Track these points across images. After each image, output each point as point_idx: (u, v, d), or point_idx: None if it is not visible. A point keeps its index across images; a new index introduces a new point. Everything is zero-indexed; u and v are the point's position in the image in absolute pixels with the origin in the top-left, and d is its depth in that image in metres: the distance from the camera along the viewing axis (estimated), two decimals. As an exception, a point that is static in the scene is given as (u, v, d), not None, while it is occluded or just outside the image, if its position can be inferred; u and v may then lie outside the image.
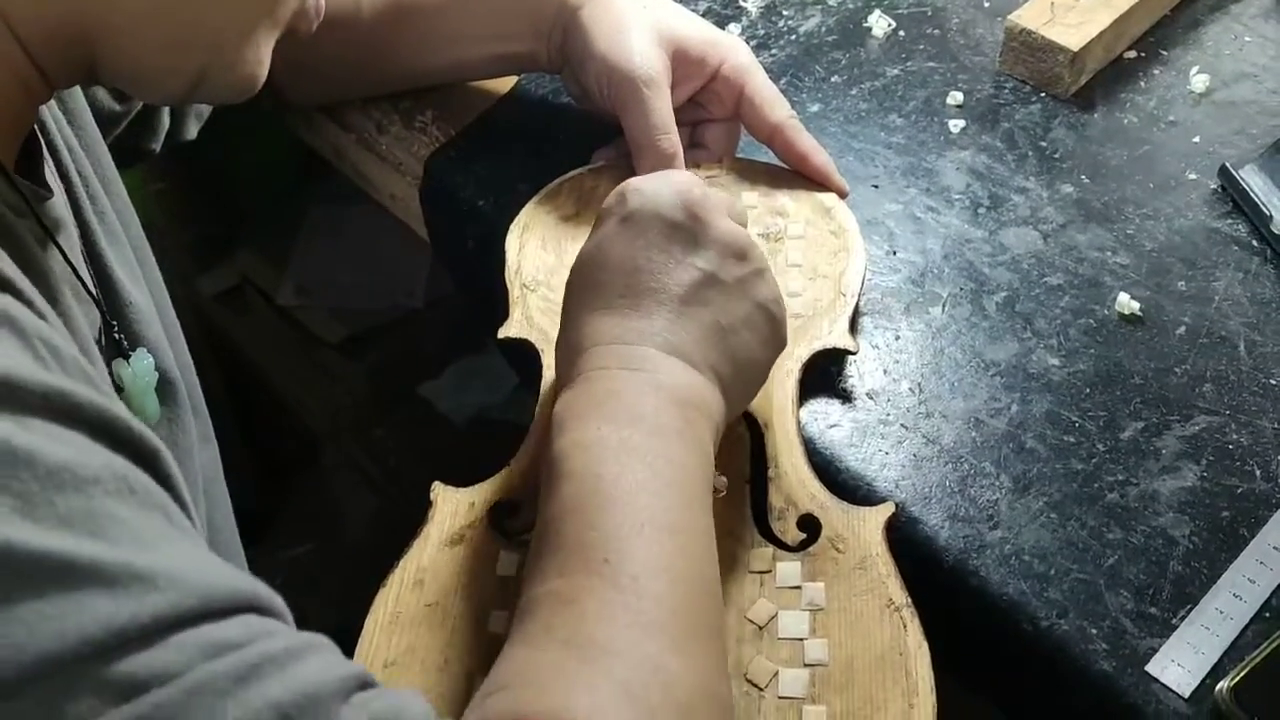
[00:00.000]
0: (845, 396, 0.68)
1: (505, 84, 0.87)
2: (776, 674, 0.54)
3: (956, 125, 0.84)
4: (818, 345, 0.66)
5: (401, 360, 1.52)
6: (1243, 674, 0.55)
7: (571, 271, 0.60)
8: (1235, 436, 0.65)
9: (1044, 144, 0.83)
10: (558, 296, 0.69)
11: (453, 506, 0.60)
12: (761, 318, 0.58)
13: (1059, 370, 0.69)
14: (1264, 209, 0.75)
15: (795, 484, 0.61)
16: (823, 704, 0.53)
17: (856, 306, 0.70)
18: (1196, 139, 0.83)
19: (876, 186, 0.80)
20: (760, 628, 0.56)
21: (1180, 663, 0.57)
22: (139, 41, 0.53)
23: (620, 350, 0.55)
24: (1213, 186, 0.79)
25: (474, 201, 0.81)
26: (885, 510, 0.59)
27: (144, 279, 0.69)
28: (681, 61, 0.74)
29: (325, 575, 1.49)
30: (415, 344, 1.53)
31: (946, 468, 0.65)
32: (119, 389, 0.60)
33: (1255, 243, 0.76)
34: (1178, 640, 0.57)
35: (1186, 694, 0.56)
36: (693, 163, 0.75)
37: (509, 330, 0.69)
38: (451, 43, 0.81)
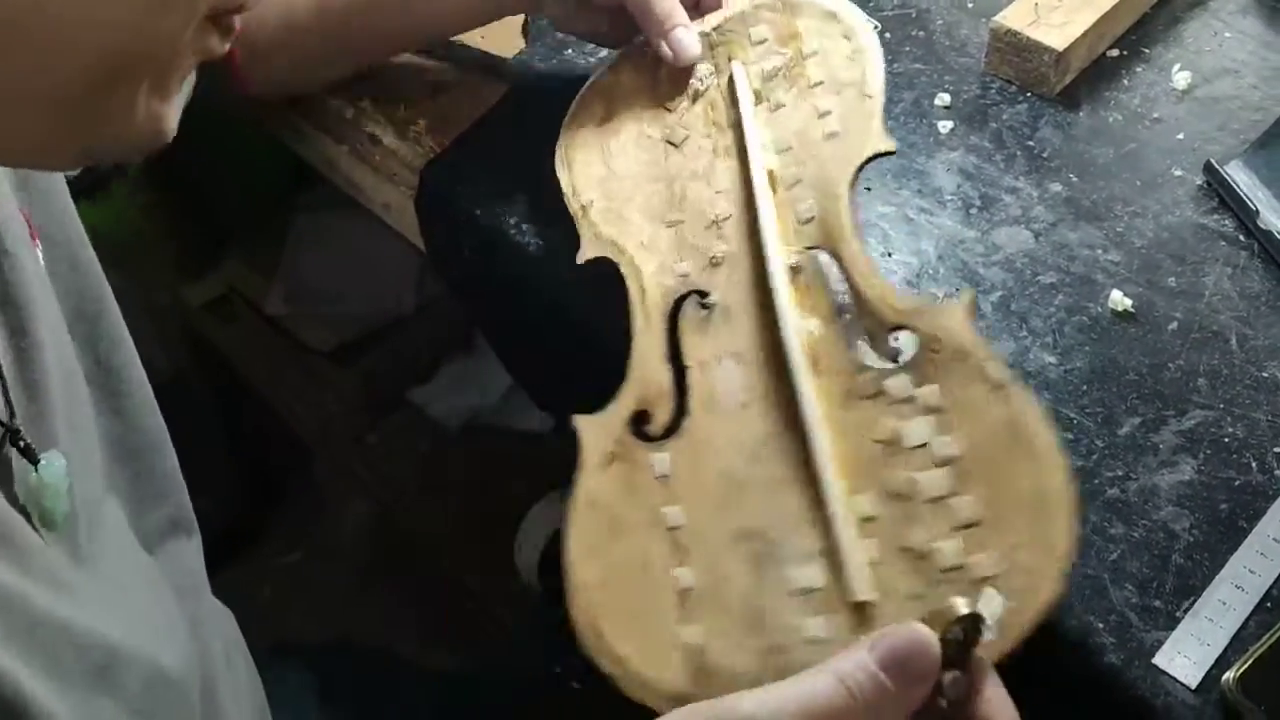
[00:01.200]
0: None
1: (498, 92, 0.88)
2: (916, 480, 0.54)
3: (945, 126, 0.85)
4: (858, 159, 0.68)
5: (392, 366, 1.52)
6: (1248, 664, 0.57)
7: None
8: (1230, 430, 0.67)
9: (1032, 143, 0.84)
10: (616, 203, 0.73)
11: (595, 432, 0.61)
12: None
13: (1055, 368, 0.70)
14: (1249, 204, 0.77)
15: (876, 301, 0.61)
16: (968, 494, 0.53)
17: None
18: (1181, 135, 0.84)
19: (869, 189, 0.81)
20: (888, 444, 0.56)
21: (1186, 654, 0.58)
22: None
23: None
24: (1198, 182, 0.80)
25: (470, 210, 0.81)
26: (966, 296, 0.59)
27: (97, 346, 0.66)
28: None
29: (317, 582, 1.49)
30: (405, 350, 1.53)
31: (950, 467, 0.66)
32: (15, 502, 0.55)
33: (1242, 237, 0.77)
34: (1182, 632, 0.59)
35: (1193, 685, 0.57)
36: (702, 17, 0.79)
37: (585, 254, 0.71)
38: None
